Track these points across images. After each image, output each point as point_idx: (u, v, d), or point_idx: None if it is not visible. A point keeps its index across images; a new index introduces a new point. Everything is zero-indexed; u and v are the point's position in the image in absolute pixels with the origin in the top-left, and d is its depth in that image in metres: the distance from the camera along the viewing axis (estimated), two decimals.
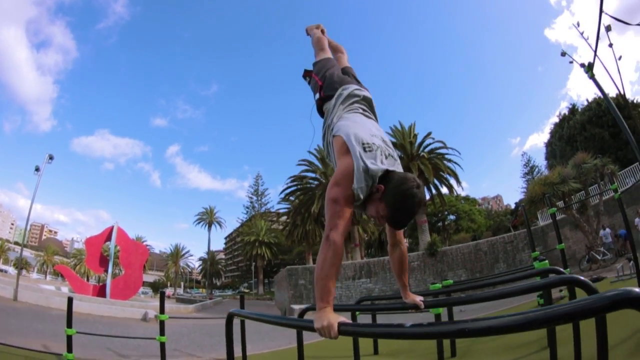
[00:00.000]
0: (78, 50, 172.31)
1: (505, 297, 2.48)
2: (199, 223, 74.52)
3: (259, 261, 60.48)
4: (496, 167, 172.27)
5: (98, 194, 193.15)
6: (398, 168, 1.89)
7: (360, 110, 2.22)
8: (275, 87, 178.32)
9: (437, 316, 4.61)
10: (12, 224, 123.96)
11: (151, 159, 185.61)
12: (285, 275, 26.46)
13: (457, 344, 5.11)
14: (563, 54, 9.63)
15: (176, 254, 77.49)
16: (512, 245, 22.47)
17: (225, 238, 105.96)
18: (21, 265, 22.19)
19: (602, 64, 7.22)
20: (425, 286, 20.49)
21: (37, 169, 19.36)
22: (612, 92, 22.47)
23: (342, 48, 3.00)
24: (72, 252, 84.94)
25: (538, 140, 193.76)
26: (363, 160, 1.77)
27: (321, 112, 2.47)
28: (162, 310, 6.24)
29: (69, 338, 5.58)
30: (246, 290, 70.55)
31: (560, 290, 7.67)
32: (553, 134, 36.92)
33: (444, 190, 32.58)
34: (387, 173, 1.79)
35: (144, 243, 62.08)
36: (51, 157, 19.88)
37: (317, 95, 2.45)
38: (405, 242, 2.30)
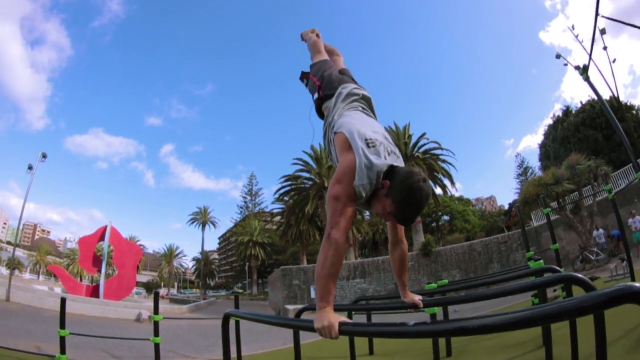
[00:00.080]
0: (72, 48, 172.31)
1: (504, 296, 2.48)
2: (192, 223, 74.37)
3: (253, 261, 60.35)
4: (490, 168, 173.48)
5: (91, 193, 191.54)
6: (401, 164, 1.86)
7: (360, 109, 2.22)
8: (270, 87, 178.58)
9: (433, 316, 4.61)
10: (5, 224, 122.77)
11: (145, 158, 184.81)
12: (279, 276, 26.38)
13: (453, 344, 5.12)
14: (558, 56, 9.72)
15: (170, 254, 77.04)
16: (505, 245, 22.57)
17: (219, 238, 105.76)
18: (14, 265, 21.97)
19: (597, 67, 7.28)
20: (420, 286, 20.55)
21: (30, 168, 19.19)
22: (605, 95, 22.63)
23: (337, 51, 3.01)
24: (65, 252, 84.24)
25: (532, 141, 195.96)
26: (366, 156, 1.74)
27: (320, 112, 2.47)
28: (156, 311, 6.20)
29: (62, 339, 5.51)
30: (240, 291, 70.46)
31: (554, 290, 7.72)
32: (547, 135, 37.21)
33: (438, 190, 32.85)
34: (392, 168, 1.77)
35: (138, 243, 61.66)
36: (44, 156, 19.72)
37: (316, 95, 2.45)
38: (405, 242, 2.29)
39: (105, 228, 23.92)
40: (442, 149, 31.92)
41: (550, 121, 38.16)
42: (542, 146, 38.03)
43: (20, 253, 66.07)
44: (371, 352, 5.93)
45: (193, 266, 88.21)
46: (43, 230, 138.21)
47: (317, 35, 2.96)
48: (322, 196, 32.72)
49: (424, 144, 32.20)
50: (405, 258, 2.27)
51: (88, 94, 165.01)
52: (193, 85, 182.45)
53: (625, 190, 15.12)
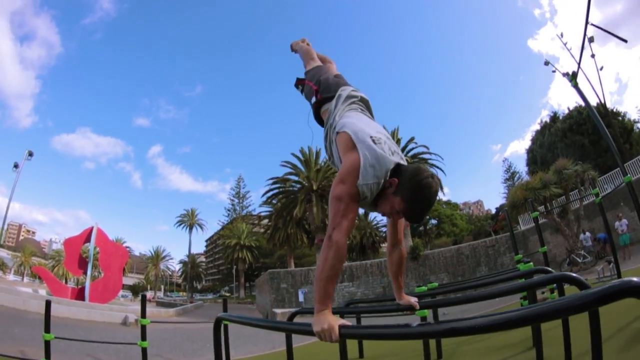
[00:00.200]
0: (62, 45, 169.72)
1: (499, 297, 2.50)
2: (179, 225, 74.00)
3: (240, 264, 60.10)
4: (477, 173, 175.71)
5: (78, 193, 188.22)
6: (404, 163, 1.84)
7: (360, 110, 2.22)
8: (259, 90, 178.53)
9: (423, 318, 4.61)
10: None
11: (133, 159, 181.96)
12: (267, 279, 26.29)
13: (443, 346, 5.12)
14: (546, 63, 9.88)
15: (156, 256, 76.41)
16: (493, 249, 22.81)
17: (206, 241, 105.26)
18: None
19: (584, 74, 7.38)
20: (408, 290, 20.53)
21: (15, 166, 18.96)
22: (592, 101, 23.04)
23: (329, 59, 3.02)
24: (50, 253, 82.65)
25: (519, 147, 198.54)
26: (374, 152, 1.71)
27: (318, 116, 2.47)
28: (143, 315, 6.05)
29: (47, 343, 5.39)
30: (227, 294, 69.90)
31: (542, 292, 7.80)
32: (534, 141, 37.72)
33: None
34: (398, 167, 1.75)
35: (124, 245, 61.19)
36: (31, 154, 19.52)
37: (314, 99, 2.44)
38: (404, 245, 2.29)
39: (91, 229, 23.66)
40: (430, 153, 32.27)
41: (537, 127, 38.72)
42: (530, 151, 38.56)
43: (4, 254, 64.58)
44: (361, 355, 5.91)
45: (180, 269, 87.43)
46: (28, 231, 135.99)
47: (308, 44, 2.99)
48: (310, 199, 32.71)
49: (413, 148, 32.49)
50: (403, 260, 2.27)
51: (77, 93, 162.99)
52: (182, 87, 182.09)
53: (612, 194, 15.39)
